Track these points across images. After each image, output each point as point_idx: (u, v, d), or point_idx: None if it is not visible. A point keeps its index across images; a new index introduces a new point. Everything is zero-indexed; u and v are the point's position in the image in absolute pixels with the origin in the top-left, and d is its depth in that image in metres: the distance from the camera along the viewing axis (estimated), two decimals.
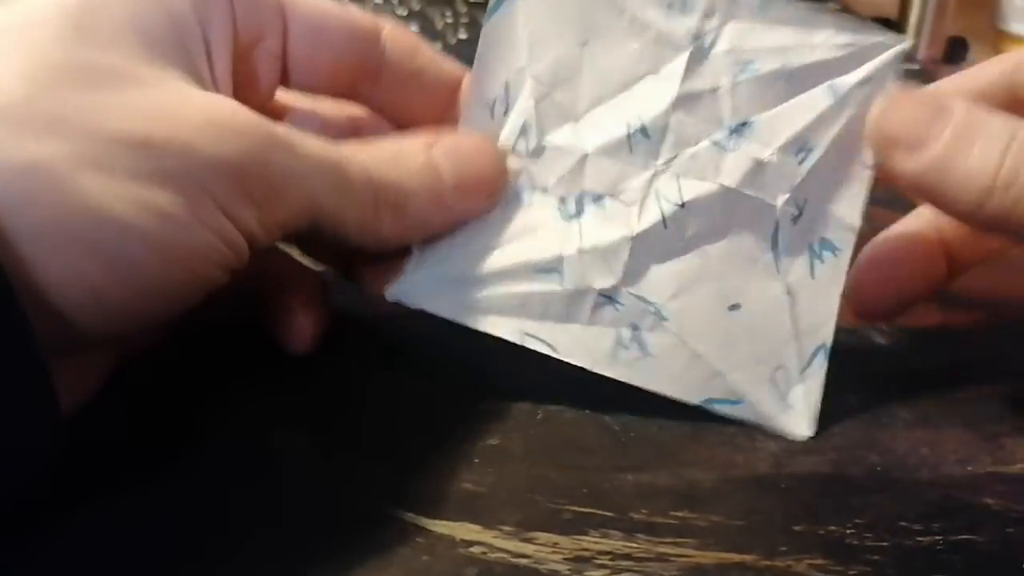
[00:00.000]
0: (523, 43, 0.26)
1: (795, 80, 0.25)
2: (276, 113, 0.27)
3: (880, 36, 0.25)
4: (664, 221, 0.25)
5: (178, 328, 0.26)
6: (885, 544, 0.21)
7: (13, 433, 0.18)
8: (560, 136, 0.26)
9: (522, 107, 0.26)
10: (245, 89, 0.24)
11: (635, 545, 0.21)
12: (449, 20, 0.50)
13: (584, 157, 0.25)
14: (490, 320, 0.25)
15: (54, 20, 0.20)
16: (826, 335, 0.24)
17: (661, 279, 0.25)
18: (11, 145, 0.18)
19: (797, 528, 0.21)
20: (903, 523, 0.22)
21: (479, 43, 0.26)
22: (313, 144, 0.22)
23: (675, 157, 0.25)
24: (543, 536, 0.21)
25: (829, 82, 0.25)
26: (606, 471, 0.23)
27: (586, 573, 0.20)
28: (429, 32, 0.49)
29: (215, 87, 0.23)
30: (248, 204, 0.21)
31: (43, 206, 0.18)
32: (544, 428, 0.24)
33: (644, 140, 0.25)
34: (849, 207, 0.24)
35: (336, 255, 0.28)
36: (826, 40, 0.25)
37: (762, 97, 0.25)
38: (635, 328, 0.25)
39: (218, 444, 0.23)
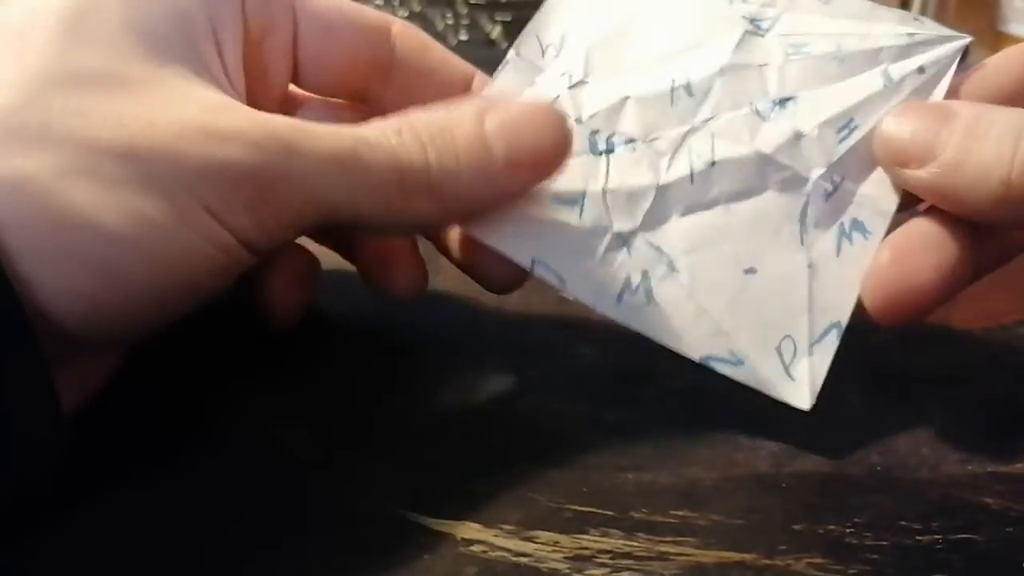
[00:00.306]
0: (586, 6, 0.27)
1: (848, 63, 0.25)
2: (289, 109, 0.26)
3: (941, 31, 0.25)
4: (692, 176, 0.25)
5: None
6: (885, 543, 0.21)
7: (15, 434, 0.18)
8: (605, 79, 0.26)
9: (573, 53, 0.26)
10: (257, 83, 0.24)
11: (635, 544, 0.21)
12: (450, 21, 0.51)
13: (625, 99, 0.25)
14: (506, 241, 0.24)
15: (47, 24, 0.20)
16: (843, 314, 0.24)
17: (679, 232, 0.24)
18: (1, 157, 0.18)
19: (797, 527, 0.21)
20: (903, 522, 0.22)
21: None
22: (319, 138, 0.21)
23: (713, 118, 0.25)
24: (544, 535, 0.21)
25: (883, 67, 0.25)
26: (606, 470, 0.23)
27: (586, 572, 0.20)
28: (430, 33, 0.48)
29: (228, 80, 0.23)
30: (241, 209, 0.20)
31: (33, 220, 0.18)
32: (544, 427, 0.24)
33: (687, 96, 0.25)
34: (886, 192, 0.24)
35: (339, 240, 0.28)
36: (885, 30, 0.25)
37: (812, 76, 0.25)
38: (645, 275, 0.24)
39: (218, 444, 0.23)
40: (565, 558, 0.20)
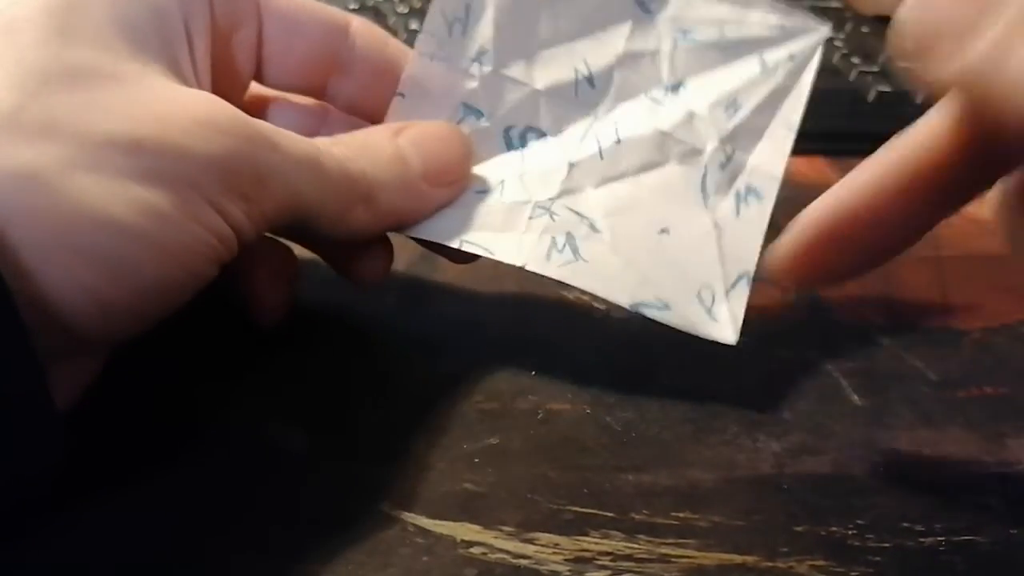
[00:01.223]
0: None
1: (729, 51, 0.27)
2: (253, 106, 0.27)
3: (807, 21, 0.27)
4: (600, 152, 0.27)
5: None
6: (887, 545, 0.21)
7: (10, 431, 0.18)
8: (514, 69, 0.27)
9: (481, 32, 0.27)
10: (223, 79, 0.25)
11: (636, 546, 0.21)
12: None
13: (534, 93, 0.27)
14: (433, 230, 0.26)
15: (37, 21, 0.20)
16: (749, 264, 0.26)
17: (595, 199, 0.26)
18: (5, 153, 0.18)
19: (798, 529, 0.21)
20: (905, 524, 0.22)
21: None
22: (292, 140, 0.22)
23: (615, 108, 0.27)
24: (544, 537, 0.21)
25: (759, 54, 0.27)
26: (607, 471, 0.23)
27: (587, 574, 0.20)
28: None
29: (196, 79, 0.23)
30: (236, 199, 0.21)
31: (40, 213, 0.18)
32: (544, 428, 0.24)
33: (589, 89, 0.27)
34: (773, 160, 0.26)
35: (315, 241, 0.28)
36: (760, 19, 0.27)
37: (698, 62, 0.27)
38: (569, 236, 0.26)
39: (216, 445, 0.23)
40: (565, 560, 0.20)
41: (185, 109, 0.20)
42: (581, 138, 0.27)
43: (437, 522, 0.21)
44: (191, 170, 0.20)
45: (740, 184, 0.26)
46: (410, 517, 0.21)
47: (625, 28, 0.27)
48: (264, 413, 0.24)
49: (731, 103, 0.27)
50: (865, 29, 0.53)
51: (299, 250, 0.28)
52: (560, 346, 0.28)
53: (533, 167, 0.27)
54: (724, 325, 0.25)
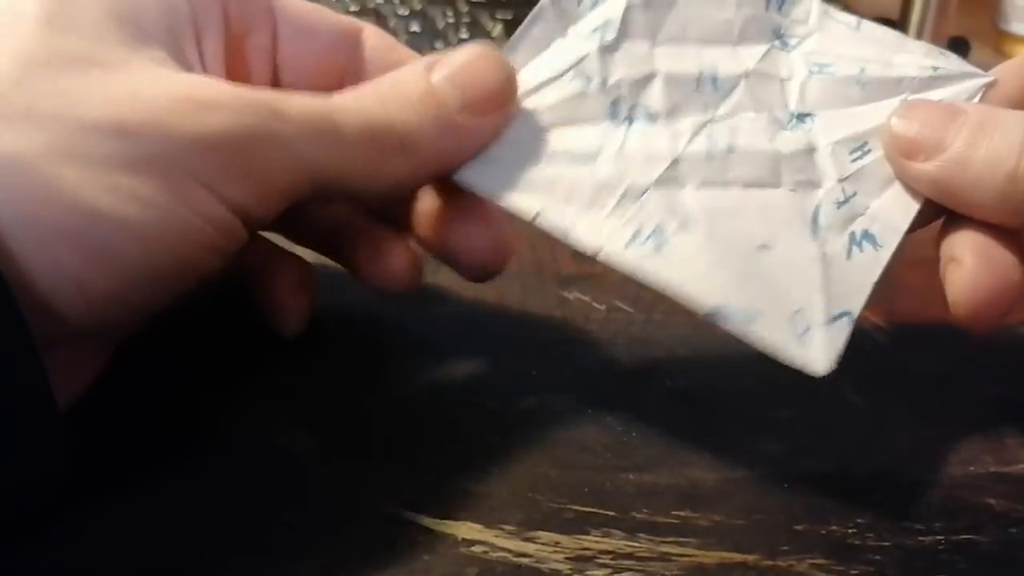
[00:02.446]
0: None
1: (869, 88, 0.25)
2: None
3: (964, 67, 0.25)
4: (709, 154, 0.25)
5: (168, 314, 0.26)
6: (887, 544, 0.21)
7: (11, 433, 0.18)
8: (638, 45, 0.26)
9: (611, 7, 0.26)
10: (239, 81, 0.24)
11: (637, 545, 0.21)
12: (451, 20, 0.50)
13: (653, 73, 0.25)
14: (507, 193, 0.24)
15: (29, 11, 0.20)
16: (854, 306, 0.23)
17: (694, 199, 0.24)
18: None
19: (799, 528, 0.21)
20: (905, 523, 0.22)
21: None
22: (300, 103, 0.21)
23: (734, 115, 0.25)
24: (545, 535, 0.21)
25: (903, 96, 0.25)
26: (608, 470, 0.23)
27: (588, 573, 0.20)
28: (431, 31, 0.48)
29: (203, 71, 0.23)
30: (237, 179, 0.20)
31: (22, 198, 0.18)
32: (545, 428, 0.24)
33: (712, 88, 0.25)
34: (900, 212, 0.24)
35: (326, 242, 0.28)
36: (910, 61, 0.25)
37: (832, 95, 0.25)
38: (658, 228, 0.23)
39: (217, 445, 0.23)
40: (566, 559, 0.20)
41: (171, 89, 0.20)
42: (693, 133, 0.25)
43: (438, 521, 0.21)
44: (178, 152, 0.19)
45: (857, 227, 0.24)
46: (411, 516, 0.21)
47: (759, 50, 0.26)
48: (265, 413, 0.24)
49: (859, 146, 0.25)
50: None
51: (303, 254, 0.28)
52: (561, 346, 0.28)
53: (635, 146, 0.25)
54: (816, 352, 0.22)
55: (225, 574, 0.20)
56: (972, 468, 0.23)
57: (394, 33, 0.46)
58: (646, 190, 0.24)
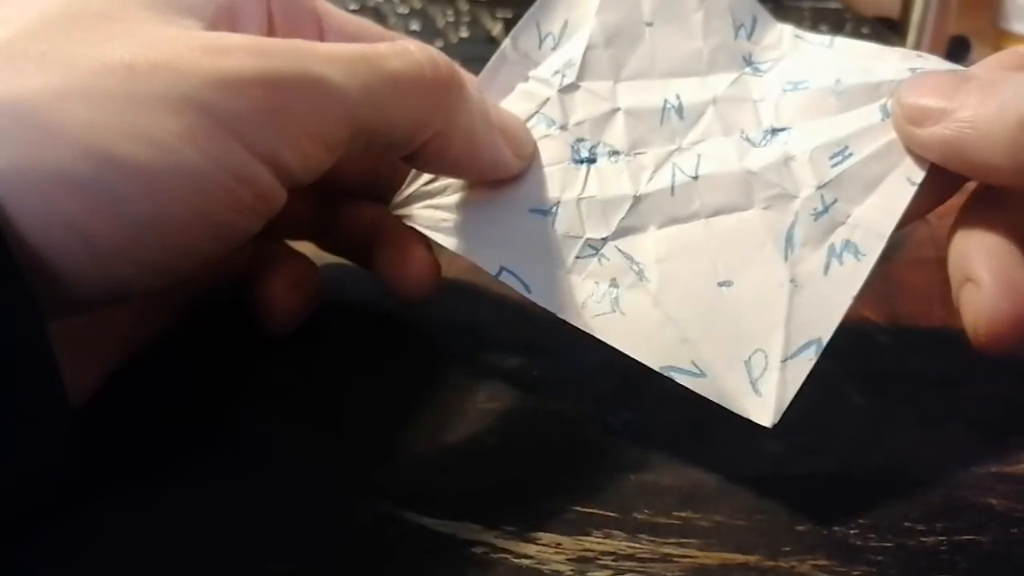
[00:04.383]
0: None
1: (846, 97, 0.25)
2: None
3: (944, 65, 0.25)
4: (673, 188, 0.24)
5: (180, 317, 0.26)
6: (889, 544, 0.21)
7: (24, 423, 0.18)
8: (597, 85, 0.26)
9: (572, 48, 0.26)
10: None
11: (638, 545, 0.21)
12: (451, 19, 0.50)
13: (614, 111, 0.26)
14: (474, 249, 0.24)
15: None
16: (825, 331, 0.22)
17: (654, 241, 0.24)
18: None
19: (800, 528, 0.21)
20: (907, 523, 0.22)
21: None
22: (334, 46, 0.20)
23: (703, 140, 0.25)
24: (546, 536, 0.21)
25: (882, 101, 0.24)
26: (609, 471, 0.23)
27: (589, 573, 0.20)
28: (430, 30, 0.48)
29: None
30: (266, 124, 0.18)
31: (19, 140, 0.16)
32: (546, 428, 0.24)
33: (677, 119, 0.25)
34: (883, 216, 0.23)
35: (353, 247, 0.28)
36: (886, 67, 0.25)
37: (808, 109, 0.25)
38: (613, 283, 0.24)
39: (216, 446, 0.23)
40: (567, 560, 0.20)
41: (192, 38, 0.18)
42: (656, 167, 0.25)
43: (439, 521, 0.21)
44: (195, 92, 0.17)
45: (837, 238, 0.23)
46: (412, 516, 0.21)
47: (729, 76, 0.26)
48: (265, 414, 0.24)
49: (840, 150, 0.24)
50: (865, 31, 0.53)
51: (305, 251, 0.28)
52: (562, 346, 0.28)
53: (595, 194, 0.25)
54: (766, 402, 0.22)
55: (224, 573, 0.20)
56: (973, 468, 0.23)
57: None
58: (603, 241, 0.24)
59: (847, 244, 0.23)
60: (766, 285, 0.23)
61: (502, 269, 0.24)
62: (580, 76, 0.26)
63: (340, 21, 0.25)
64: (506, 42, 0.26)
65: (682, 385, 0.22)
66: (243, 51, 0.18)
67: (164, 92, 0.17)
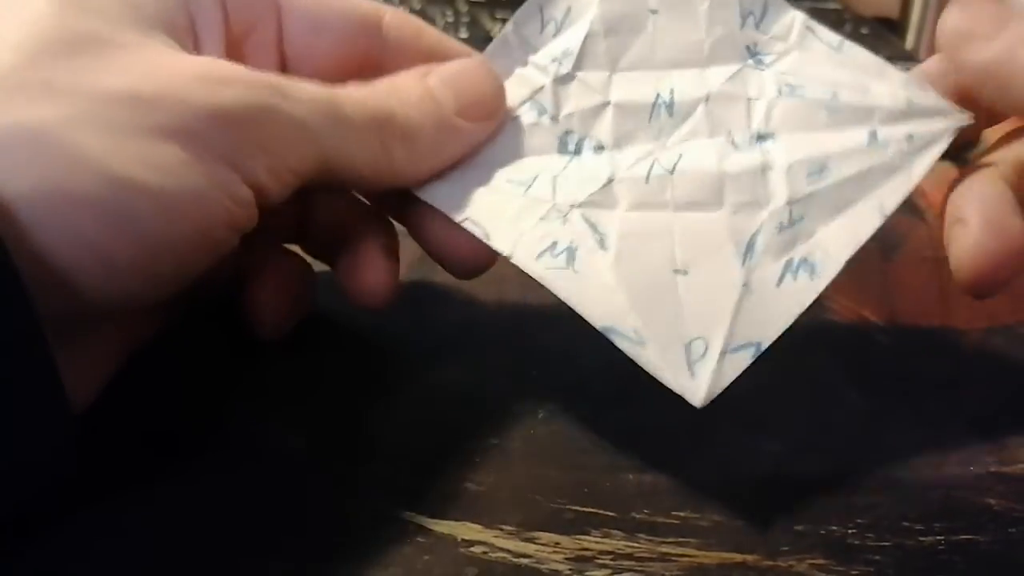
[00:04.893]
0: None
1: (838, 114, 0.25)
2: None
3: (940, 103, 0.25)
4: (648, 177, 0.25)
5: (177, 318, 0.26)
6: (887, 544, 0.21)
7: (25, 427, 0.18)
8: (592, 76, 0.26)
9: (572, 36, 0.26)
10: None
11: (637, 545, 0.21)
12: (450, 19, 0.50)
13: (605, 104, 0.26)
14: (445, 200, 0.25)
15: None
16: (765, 337, 0.23)
17: (619, 219, 0.24)
18: (3, 110, 0.18)
19: (799, 528, 0.21)
20: (905, 523, 0.22)
21: None
22: (306, 87, 0.22)
23: (686, 141, 0.25)
24: (544, 536, 0.21)
25: (872, 126, 0.25)
26: (607, 471, 0.23)
27: (588, 573, 0.20)
28: None
29: None
30: (254, 152, 0.20)
31: (40, 167, 0.18)
32: (544, 428, 0.24)
33: (667, 116, 0.26)
34: (844, 241, 0.24)
35: (328, 253, 0.28)
36: (885, 91, 0.25)
37: (798, 118, 0.25)
38: (572, 244, 0.24)
39: (216, 448, 0.23)
40: (566, 559, 0.20)
41: (186, 67, 0.20)
42: (636, 160, 0.25)
43: (438, 521, 0.21)
44: (195, 123, 0.19)
45: (796, 253, 0.24)
46: (411, 516, 0.21)
47: (728, 70, 0.26)
48: (265, 414, 0.24)
49: (819, 167, 0.24)
50: (864, 31, 0.53)
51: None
52: (560, 346, 0.28)
53: (573, 172, 0.25)
54: (699, 383, 0.22)
55: (223, 573, 0.20)
56: (972, 468, 0.23)
57: None
58: (571, 208, 0.24)
59: (804, 262, 0.23)
60: (719, 282, 0.23)
61: (466, 219, 0.25)
62: (576, 66, 0.26)
63: (302, 4, 0.25)
64: (508, 26, 0.27)
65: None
66: (236, 84, 0.20)
67: (167, 123, 0.19)
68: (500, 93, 0.26)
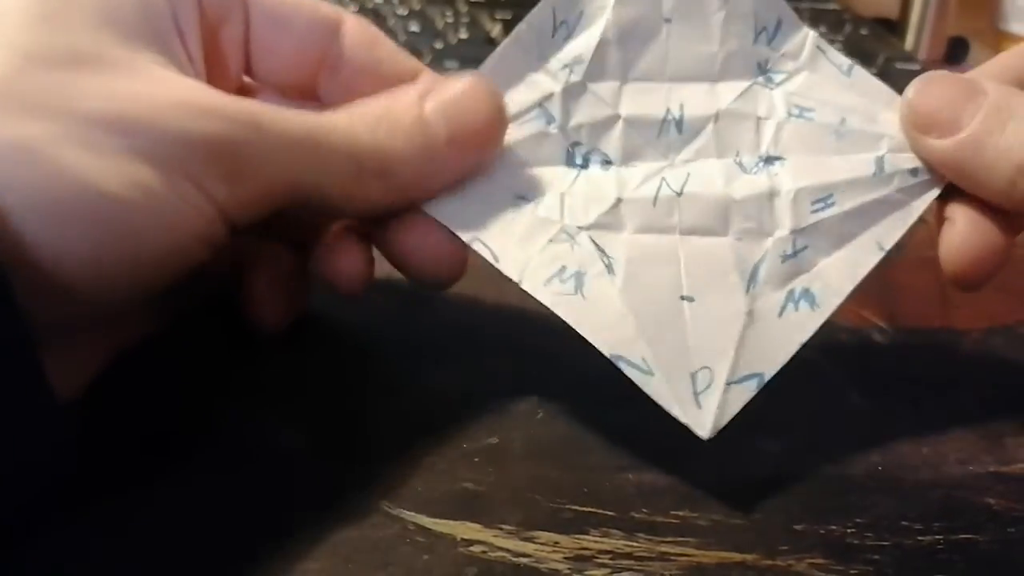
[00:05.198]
0: None
1: (846, 139, 0.25)
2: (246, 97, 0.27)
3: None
4: (656, 199, 0.25)
5: (170, 316, 0.26)
6: (886, 544, 0.21)
7: (10, 421, 0.18)
8: (602, 88, 0.26)
9: (584, 41, 0.26)
10: (215, 72, 0.25)
11: (636, 544, 0.21)
12: (450, 20, 0.50)
13: (615, 118, 0.26)
14: (453, 217, 0.24)
15: (24, 7, 0.20)
16: (768, 369, 0.23)
17: (628, 242, 0.24)
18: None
19: (798, 527, 0.21)
20: (904, 523, 0.22)
21: None
22: (288, 119, 0.22)
23: (694, 160, 0.25)
24: (544, 535, 0.21)
25: (880, 154, 0.25)
26: (606, 470, 0.23)
27: (587, 572, 0.20)
28: (430, 31, 0.48)
29: (192, 69, 0.23)
30: (220, 181, 0.21)
31: (32, 181, 0.18)
32: (544, 427, 0.24)
33: (675, 133, 0.25)
34: (845, 274, 0.24)
35: (292, 238, 0.28)
36: (894, 120, 0.25)
37: (807, 141, 0.25)
38: (581, 269, 0.24)
39: (215, 447, 0.23)
40: (565, 558, 0.20)
41: (170, 92, 0.21)
42: (644, 179, 0.25)
43: (437, 521, 0.21)
44: (173, 149, 0.20)
45: (798, 284, 0.24)
46: (410, 516, 0.21)
47: (739, 86, 0.26)
48: (264, 414, 0.24)
49: (824, 197, 0.24)
50: (864, 31, 0.53)
51: None
52: (560, 346, 0.27)
53: (581, 190, 0.25)
54: (705, 414, 0.22)
55: (222, 573, 0.20)
56: (971, 468, 0.23)
57: (392, 33, 0.46)
58: (579, 231, 0.24)
59: (806, 292, 0.24)
60: (724, 311, 0.23)
61: (475, 239, 0.24)
62: (587, 75, 0.26)
63: (267, 4, 0.25)
64: (520, 26, 0.26)
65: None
66: (215, 116, 0.21)
67: (147, 148, 0.20)
68: (497, 123, 0.25)
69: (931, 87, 0.24)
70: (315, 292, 0.28)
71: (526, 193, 0.25)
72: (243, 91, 0.27)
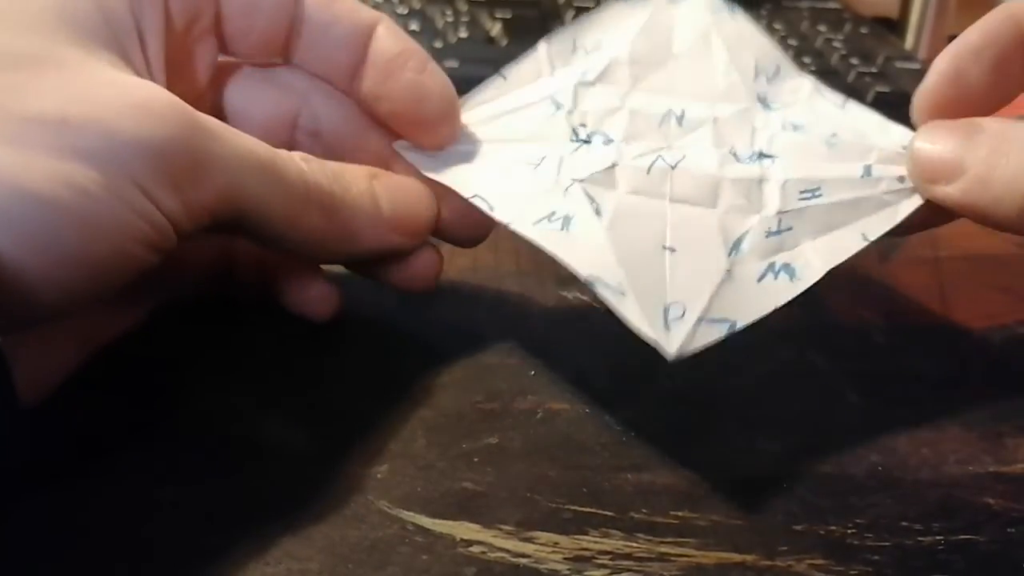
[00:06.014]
0: (638, 26, 0.29)
1: (837, 149, 0.26)
2: (218, 85, 0.27)
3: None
4: (650, 169, 0.26)
5: (142, 313, 0.26)
6: (886, 544, 0.21)
7: None
8: (612, 88, 0.28)
9: (598, 60, 0.29)
10: (180, 73, 0.25)
11: (635, 545, 0.21)
12: (450, 19, 0.50)
13: (620, 107, 0.28)
14: (454, 177, 0.26)
15: None
16: (740, 319, 0.23)
17: (617, 198, 0.25)
18: None
19: (798, 528, 0.21)
20: (904, 523, 0.22)
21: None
22: (242, 137, 0.22)
23: (692, 146, 0.27)
24: (543, 536, 0.21)
25: (869, 162, 0.26)
26: (606, 470, 0.23)
27: (586, 573, 0.20)
28: (430, 30, 0.48)
29: (149, 75, 0.23)
30: (168, 186, 0.20)
31: None
32: (544, 428, 0.24)
33: (676, 125, 0.27)
34: (826, 257, 0.25)
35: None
36: (884, 139, 0.26)
37: (799, 148, 0.27)
38: (569, 213, 0.25)
39: (214, 445, 0.23)
40: (565, 559, 0.20)
41: (122, 93, 0.20)
42: (641, 154, 0.26)
43: (437, 521, 0.21)
44: (119, 151, 0.20)
45: (779, 259, 0.24)
46: (410, 516, 0.21)
47: (737, 106, 0.28)
48: (263, 413, 0.24)
49: (812, 188, 0.25)
50: (864, 30, 0.53)
51: None
52: (559, 346, 0.28)
53: (580, 156, 0.26)
54: (672, 336, 0.22)
55: (222, 573, 0.20)
56: (971, 468, 0.23)
57: None
58: (572, 183, 0.26)
59: (786, 266, 0.24)
60: (704, 266, 0.24)
61: (475, 195, 0.26)
62: (599, 78, 0.28)
63: None
64: (541, 42, 0.29)
65: (650, 346, 0.23)
66: (166, 121, 0.20)
67: (91, 148, 0.19)
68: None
69: (931, 136, 0.25)
70: None
71: (528, 158, 0.27)
72: (215, 84, 0.27)
